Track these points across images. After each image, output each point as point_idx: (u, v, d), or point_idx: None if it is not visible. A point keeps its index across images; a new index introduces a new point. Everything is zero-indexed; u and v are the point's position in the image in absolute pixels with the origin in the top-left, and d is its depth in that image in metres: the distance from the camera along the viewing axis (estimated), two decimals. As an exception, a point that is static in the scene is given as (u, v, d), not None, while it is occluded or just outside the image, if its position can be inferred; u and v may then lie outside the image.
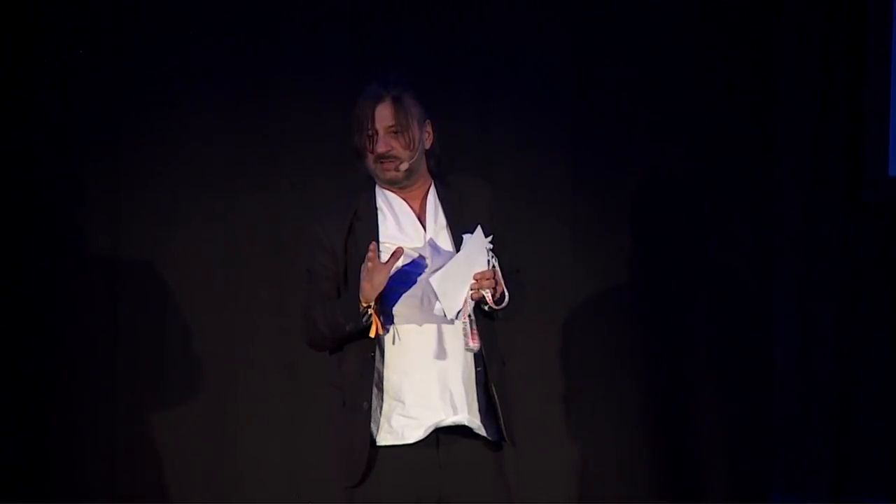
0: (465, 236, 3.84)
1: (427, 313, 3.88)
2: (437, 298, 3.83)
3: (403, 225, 3.95)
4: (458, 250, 3.89)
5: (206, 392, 5.44)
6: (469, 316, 3.86)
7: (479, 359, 3.92)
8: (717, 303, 5.62)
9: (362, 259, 3.82)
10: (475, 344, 3.86)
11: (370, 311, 3.82)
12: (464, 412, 3.89)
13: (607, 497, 5.57)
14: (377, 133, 3.91)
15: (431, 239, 3.95)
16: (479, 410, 3.92)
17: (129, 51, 5.42)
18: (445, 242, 3.95)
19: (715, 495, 5.55)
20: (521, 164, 5.58)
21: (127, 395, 5.41)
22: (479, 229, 3.85)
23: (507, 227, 4.10)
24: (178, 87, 5.44)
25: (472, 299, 3.85)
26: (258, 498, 5.44)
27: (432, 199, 4.00)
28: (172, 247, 5.45)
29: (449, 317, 3.84)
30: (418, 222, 3.96)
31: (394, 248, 3.86)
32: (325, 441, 5.09)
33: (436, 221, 3.98)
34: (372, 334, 3.84)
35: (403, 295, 3.89)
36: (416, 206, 3.99)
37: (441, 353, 3.88)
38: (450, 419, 3.89)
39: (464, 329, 3.86)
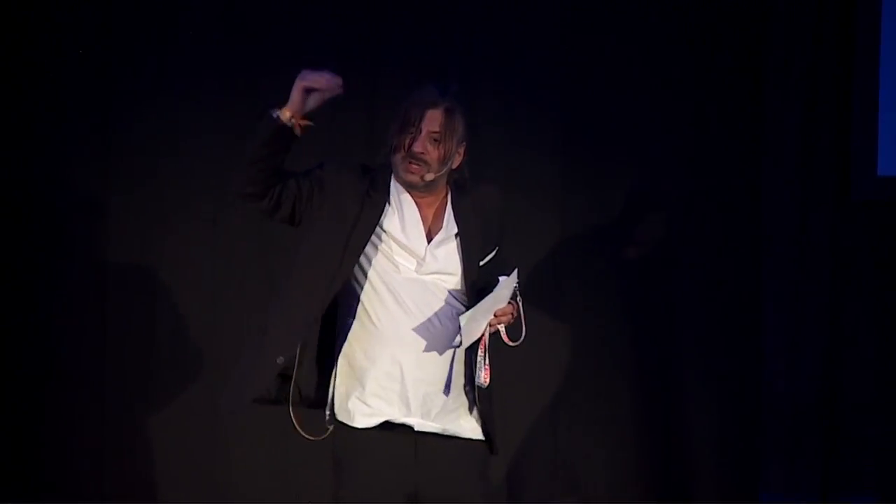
0: (502, 278, 3.87)
1: (406, 312, 3.91)
2: (458, 332, 3.86)
3: (407, 225, 3.96)
4: (466, 262, 3.96)
5: (196, 393, 5.42)
6: (485, 348, 3.89)
7: (454, 367, 3.95)
8: (706, 302, 5.64)
9: (349, 227, 3.87)
10: (486, 380, 3.90)
11: (294, 119, 3.81)
12: (417, 415, 3.93)
13: (597, 498, 5.58)
14: (419, 133, 3.92)
15: (430, 247, 3.96)
16: (451, 415, 3.96)
17: (118, 50, 5.42)
18: (451, 252, 3.98)
19: (704, 496, 5.56)
20: (512, 164, 5.58)
21: (116, 396, 5.41)
22: (514, 272, 3.88)
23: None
24: (168, 86, 5.44)
25: (489, 333, 3.89)
26: (249, 498, 5.46)
27: (448, 208, 4.02)
28: (162, 247, 5.44)
29: (463, 347, 3.90)
30: (422, 227, 3.98)
31: (395, 242, 3.91)
32: (318, 443, 5.26)
33: (446, 230, 4.00)
34: (297, 133, 3.82)
35: (389, 286, 3.92)
36: (427, 213, 4.00)
37: (409, 354, 3.90)
38: (401, 418, 3.92)
39: (477, 362, 3.90)
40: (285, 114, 3.81)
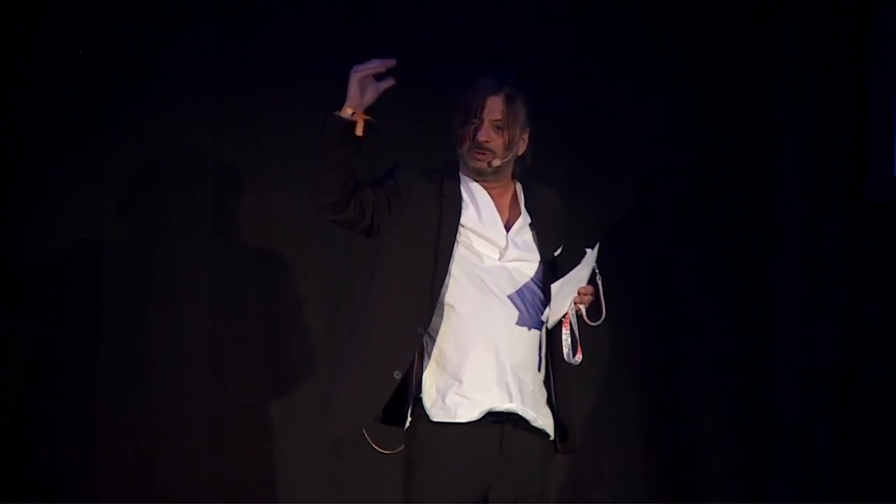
0: (588, 251, 3.92)
1: (493, 297, 3.96)
2: (547, 304, 3.93)
3: (484, 215, 4.04)
4: (542, 249, 4.05)
5: (191, 395, 5.36)
6: (572, 327, 3.95)
7: (542, 352, 4.02)
8: (719, 304, 5.63)
9: (433, 230, 3.94)
10: (579, 357, 3.94)
11: (356, 115, 3.86)
12: (518, 401, 3.96)
13: (607, 499, 5.57)
14: (482, 122, 4.00)
15: (511, 232, 4.04)
16: (537, 403, 4.01)
17: (110, 46, 5.31)
18: (529, 240, 4.07)
19: (718, 497, 5.56)
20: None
21: (108, 399, 5.32)
22: (597, 245, 3.93)
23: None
24: (162, 84, 5.34)
25: (573, 311, 3.95)
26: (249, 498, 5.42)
27: (521, 199, 4.12)
28: (156, 248, 5.36)
29: (550, 324, 3.95)
30: (498, 216, 4.05)
31: (475, 233, 3.98)
32: (312, 446, 5.28)
33: (523, 219, 4.09)
34: (359, 132, 3.86)
35: (475, 277, 3.98)
36: (501, 203, 4.08)
37: (502, 339, 3.95)
38: (504, 405, 3.95)
39: (566, 340, 3.94)
40: (346, 111, 3.86)
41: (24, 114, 5.28)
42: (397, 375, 3.92)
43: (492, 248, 4.01)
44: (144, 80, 5.34)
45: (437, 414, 3.95)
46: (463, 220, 4.00)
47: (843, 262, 5.62)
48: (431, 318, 3.95)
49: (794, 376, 5.60)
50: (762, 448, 5.59)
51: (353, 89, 3.86)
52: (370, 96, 3.87)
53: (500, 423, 3.96)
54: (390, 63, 3.86)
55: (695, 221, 5.63)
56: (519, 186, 4.15)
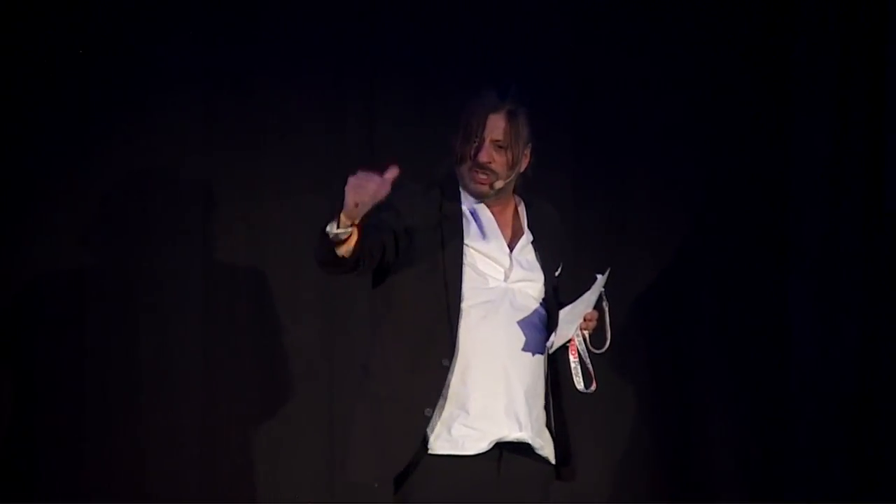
0: (598, 276, 3.81)
1: (500, 324, 3.85)
2: (552, 327, 3.84)
3: (487, 233, 3.92)
4: (545, 268, 3.94)
5: (182, 408, 5.31)
6: (580, 355, 3.86)
7: (548, 377, 3.92)
8: (734, 312, 5.59)
9: (439, 256, 3.83)
10: (593, 387, 3.87)
11: (351, 229, 3.63)
12: (528, 430, 3.85)
13: (616, 498, 5.55)
14: (483, 142, 3.87)
15: (515, 251, 3.93)
16: (541, 429, 3.91)
17: (98, 53, 5.26)
18: (532, 259, 3.95)
19: (731, 497, 5.55)
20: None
21: (97, 413, 5.27)
22: (608, 271, 3.82)
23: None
24: (152, 91, 5.30)
25: (578, 338, 3.86)
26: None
27: (522, 215, 4.01)
28: (145, 257, 5.30)
29: (552, 350, 3.85)
30: (500, 233, 3.93)
31: (479, 253, 3.87)
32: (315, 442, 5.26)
33: (526, 237, 3.98)
34: (344, 253, 3.65)
35: (479, 302, 3.85)
36: (502, 220, 3.96)
37: (509, 365, 3.83)
38: (513, 435, 3.84)
39: (576, 369, 3.86)
40: (343, 222, 3.61)
41: (11, 120, 5.23)
42: (428, 413, 3.78)
43: (496, 268, 3.89)
44: (133, 87, 5.30)
45: (440, 446, 3.81)
46: (467, 240, 3.88)
47: (861, 271, 5.55)
48: (454, 348, 3.80)
49: (810, 384, 5.57)
50: (778, 450, 5.57)
51: (350, 207, 3.59)
52: (366, 208, 3.60)
53: (500, 448, 3.84)
54: (392, 175, 3.61)
55: (710, 231, 5.59)
56: (520, 202, 4.03)
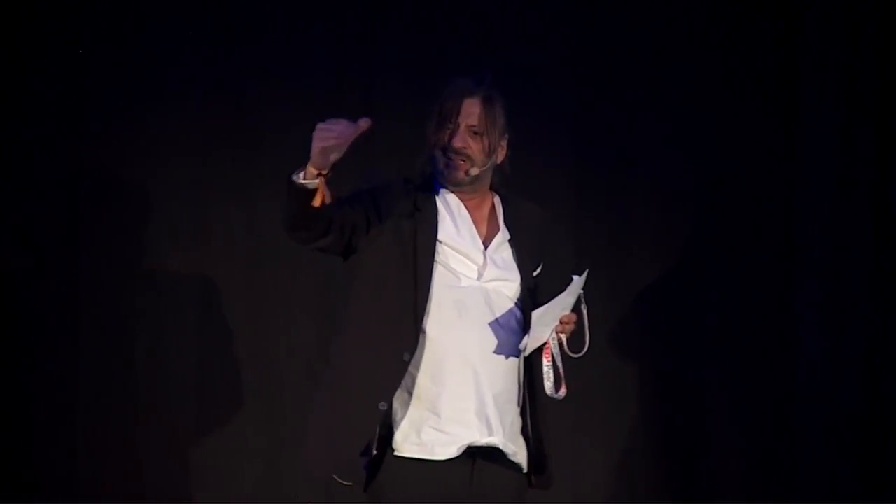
0: (575, 277, 3.72)
1: (472, 325, 3.75)
2: (527, 329, 3.73)
3: (461, 229, 3.83)
4: (521, 267, 3.84)
5: (179, 406, 5.35)
6: (554, 358, 3.76)
7: (525, 381, 3.83)
8: (739, 315, 5.62)
9: (409, 249, 3.74)
10: (563, 391, 3.77)
11: (318, 180, 3.56)
12: (499, 434, 3.76)
13: (622, 498, 5.58)
14: (458, 127, 3.81)
15: (490, 249, 3.84)
16: (515, 435, 3.83)
17: (94, 54, 5.29)
18: (508, 257, 3.86)
19: (736, 497, 5.57)
20: (522, 173, 5.40)
21: (91, 419, 5.31)
22: (586, 273, 3.72)
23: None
24: (150, 87, 5.32)
25: (553, 341, 3.76)
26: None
27: (499, 212, 3.92)
28: (141, 259, 5.34)
29: (527, 353, 3.76)
30: (475, 229, 3.85)
31: (452, 249, 3.78)
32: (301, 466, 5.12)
33: (502, 234, 3.88)
34: (316, 203, 3.58)
35: (451, 299, 3.76)
36: (477, 216, 3.88)
37: (481, 368, 3.75)
38: (484, 440, 3.75)
39: (548, 373, 3.75)
40: (310, 172, 3.55)
41: (7, 120, 5.25)
42: (383, 407, 3.72)
43: (469, 266, 3.80)
44: (130, 86, 5.31)
45: (408, 449, 3.74)
46: (440, 236, 3.79)
47: (867, 274, 5.59)
48: (417, 345, 3.72)
49: (817, 388, 5.60)
50: (785, 453, 5.60)
51: (316, 155, 3.53)
52: (335, 156, 3.53)
53: (472, 455, 3.76)
54: (363, 127, 3.53)
55: (714, 235, 5.62)
56: (497, 199, 3.94)
